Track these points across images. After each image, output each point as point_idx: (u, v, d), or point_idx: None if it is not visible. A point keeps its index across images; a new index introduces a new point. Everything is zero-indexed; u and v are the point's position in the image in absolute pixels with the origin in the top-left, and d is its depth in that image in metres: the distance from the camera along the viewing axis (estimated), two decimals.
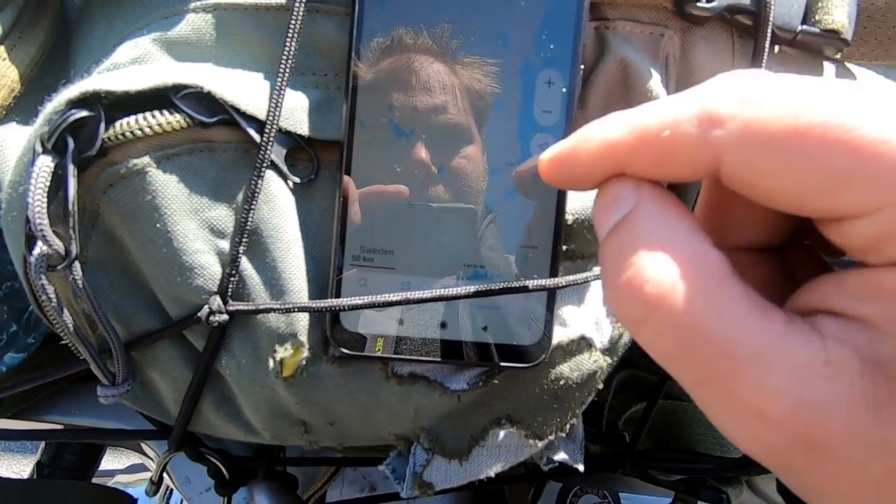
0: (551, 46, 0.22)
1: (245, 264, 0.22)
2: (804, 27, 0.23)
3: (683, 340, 0.11)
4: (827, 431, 0.11)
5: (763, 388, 0.11)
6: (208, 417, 0.26)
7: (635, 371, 0.38)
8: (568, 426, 0.26)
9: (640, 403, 0.37)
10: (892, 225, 0.10)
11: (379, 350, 0.22)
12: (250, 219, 0.21)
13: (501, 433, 0.25)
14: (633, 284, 0.12)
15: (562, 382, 0.24)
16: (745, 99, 0.11)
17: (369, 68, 0.21)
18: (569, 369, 0.24)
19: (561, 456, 0.28)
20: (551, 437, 0.26)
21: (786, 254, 0.15)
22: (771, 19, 0.22)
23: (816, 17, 0.23)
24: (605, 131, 0.13)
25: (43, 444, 0.38)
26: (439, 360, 0.22)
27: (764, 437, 0.11)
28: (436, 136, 0.22)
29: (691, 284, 0.11)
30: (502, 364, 0.22)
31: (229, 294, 0.22)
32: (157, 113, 0.19)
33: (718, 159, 0.12)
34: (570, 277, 0.22)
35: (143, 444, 0.37)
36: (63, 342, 0.22)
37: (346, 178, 0.22)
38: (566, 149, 0.14)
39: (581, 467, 0.28)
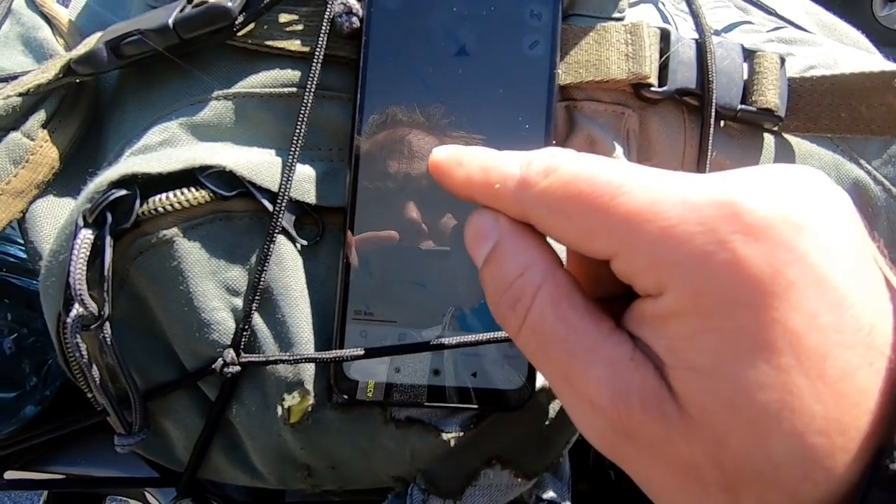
0: (526, 126, 0.25)
1: (257, 319, 0.24)
2: (743, 106, 0.27)
3: (541, 340, 0.14)
4: (632, 418, 0.13)
5: (590, 378, 0.13)
6: (217, 464, 0.27)
7: None
8: (555, 465, 0.28)
9: None
10: (628, 266, 0.13)
11: (378, 395, 0.24)
12: (263, 279, 0.24)
13: (492, 473, 0.27)
14: (509, 302, 0.15)
15: (547, 423, 0.26)
16: (546, 170, 0.15)
17: (370, 139, 0.24)
18: (553, 410, 0.26)
19: (549, 494, 0.30)
20: (539, 477, 0.28)
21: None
22: (714, 100, 0.26)
23: (753, 98, 0.27)
24: (470, 165, 0.16)
25: (45, 494, 0.38)
26: (434, 404, 0.24)
27: (596, 425, 0.14)
28: (427, 196, 0.25)
29: (545, 298, 0.14)
30: (490, 407, 0.25)
31: (242, 347, 0.24)
32: (185, 190, 0.22)
33: (528, 213, 0.15)
34: None
35: (147, 494, 0.38)
36: (86, 395, 0.24)
37: (349, 237, 0.24)
38: (445, 162, 0.17)
39: None
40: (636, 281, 0.14)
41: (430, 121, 0.24)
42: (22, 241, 0.28)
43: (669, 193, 0.13)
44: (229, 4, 0.23)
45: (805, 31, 0.34)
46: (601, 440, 0.14)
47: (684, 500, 0.13)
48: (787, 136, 0.29)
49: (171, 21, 0.23)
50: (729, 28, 0.33)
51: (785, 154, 0.28)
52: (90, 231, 0.21)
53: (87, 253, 0.20)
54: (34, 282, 0.28)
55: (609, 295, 0.16)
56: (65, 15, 0.30)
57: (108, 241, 0.21)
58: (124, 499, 0.42)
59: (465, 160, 0.16)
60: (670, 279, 0.13)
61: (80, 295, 0.20)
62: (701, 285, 0.12)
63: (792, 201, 0.12)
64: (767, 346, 0.12)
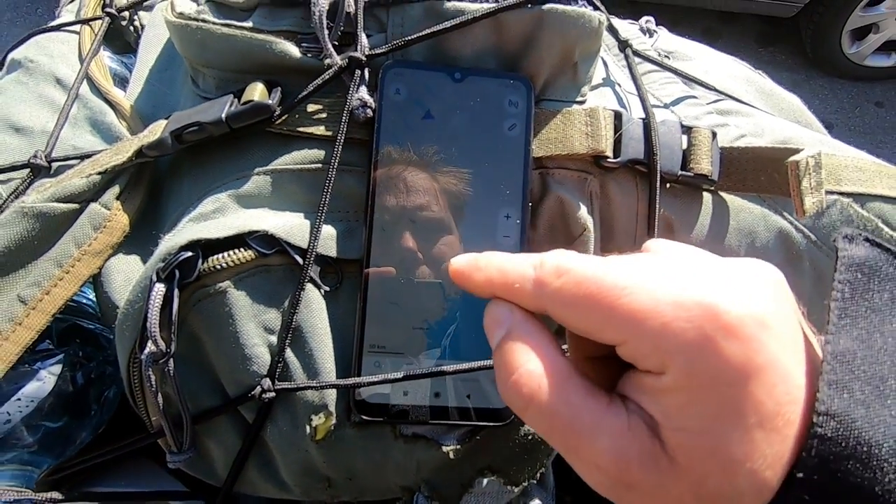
0: (507, 192, 0.31)
1: (288, 353, 0.29)
2: (682, 172, 0.33)
3: (547, 421, 0.17)
4: (631, 474, 0.16)
5: (595, 449, 0.17)
6: (251, 478, 0.32)
7: None
8: (538, 474, 0.33)
9: None
10: (633, 352, 0.17)
11: (389, 415, 0.29)
12: (294, 319, 0.29)
13: (485, 481, 0.32)
14: (516, 386, 0.18)
15: (530, 437, 0.31)
16: (557, 271, 0.18)
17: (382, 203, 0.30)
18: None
19: (535, 502, 0.34)
20: (525, 484, 0.33)
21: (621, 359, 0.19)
22: (659, 168, 0.32)
23: (691, 165, 0.33)
24: (488, 268, 0.19)
25: None
26: (435, 422, 0.29)
27: (601, 480, 0.17)
28: (421, 229, 0.30)
29: (549, 384, 0.17)
30: (482, 423, 0.30)
31: (276, 376, 0.29)
32: (236, 251, 0.28)
33: (544, 307, 0.18)
34: None
35: None
36: (142, 420, 0.29)
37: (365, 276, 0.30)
38: (465, 268, 0.20)
39: None
40: (640, 362, 0.17)
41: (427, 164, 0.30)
42: (86, 291, 0.34)
43: (664, 295, 0.16)
44: (269, 101, 0.29)
45: (741, 102, 0.40)
46: (606, 491, 0.17)
47: None
48: (722, 193, 0.35)
49: (224, 115, 0.29)
50: (676, 101, 0.39)
51: (721, 209, 0.34)
52: (163, 285, 0.26)
53: (160, 302, 0.26)
54: (98, 325, 0.34)
55: (597, 355, 0.20)
56: (124, 99, 0.36)
57: (176, 292, 0.26)
58: None
59: (482, 265, 0.20)
60: (670, 363, 0.16)
61: (154, 336, 0.26)
62: (694, 370, 0.16)
63: (755, 301, 0.16)
64: (740, 413, 0.15)
